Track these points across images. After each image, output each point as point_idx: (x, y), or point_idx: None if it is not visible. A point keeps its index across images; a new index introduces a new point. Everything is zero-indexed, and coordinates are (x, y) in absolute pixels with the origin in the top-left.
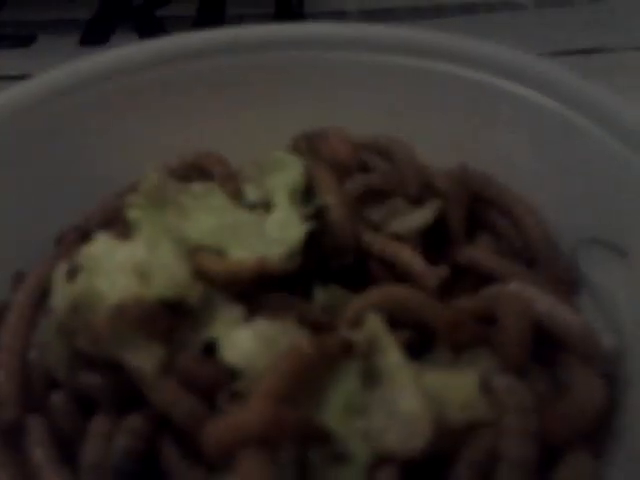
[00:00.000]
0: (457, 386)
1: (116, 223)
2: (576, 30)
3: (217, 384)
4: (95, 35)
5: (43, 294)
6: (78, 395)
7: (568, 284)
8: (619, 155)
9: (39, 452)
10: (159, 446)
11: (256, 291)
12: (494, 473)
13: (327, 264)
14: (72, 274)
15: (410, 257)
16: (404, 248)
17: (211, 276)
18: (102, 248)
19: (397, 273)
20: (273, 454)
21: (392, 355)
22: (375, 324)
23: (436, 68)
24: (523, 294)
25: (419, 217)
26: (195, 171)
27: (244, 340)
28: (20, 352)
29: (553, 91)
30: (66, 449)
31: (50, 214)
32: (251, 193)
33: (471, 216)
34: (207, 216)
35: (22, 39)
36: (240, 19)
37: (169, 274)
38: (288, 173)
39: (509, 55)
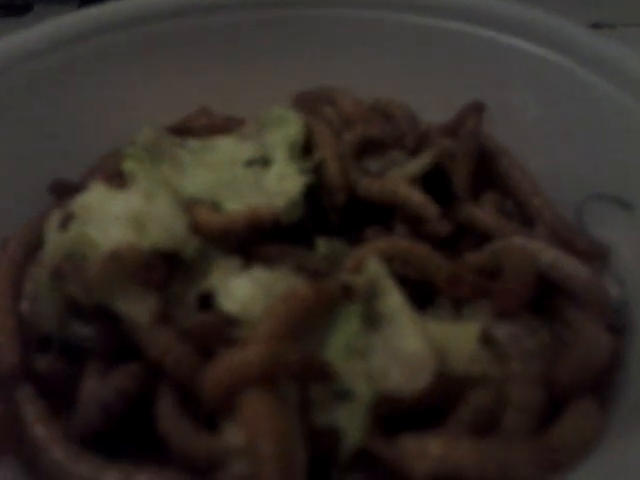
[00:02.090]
0: (458, 337)
1: (112, 175)
2: (577, 7)
3: (214, 334)
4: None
5: (32, 249)
6: (69, 347)
7: (597, 257)
8: (625, 108)
9: (29, 409)
10: (153, 396)
11: (255, 243)
12: (497, 423)
13: (328, 218)
14: (65, 222)
15: (423, 200)
16: (415, 192)
17: (206, 229)
18: (97, 197)
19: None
20: (276, 393)
21: (393, 298)
22: (376, 268)
23: (442, 25)
24: (528, 246)
25: (416, 165)
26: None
27: (241, 287)
28: (12, 310)
29: (558, 45)
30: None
31: (49, 168)
32: (250, 150)
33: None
34: (203, 171)
35: (17, 8)
36: None
37: (165, 225)
38: (287, 129)
39: (515, 10)
